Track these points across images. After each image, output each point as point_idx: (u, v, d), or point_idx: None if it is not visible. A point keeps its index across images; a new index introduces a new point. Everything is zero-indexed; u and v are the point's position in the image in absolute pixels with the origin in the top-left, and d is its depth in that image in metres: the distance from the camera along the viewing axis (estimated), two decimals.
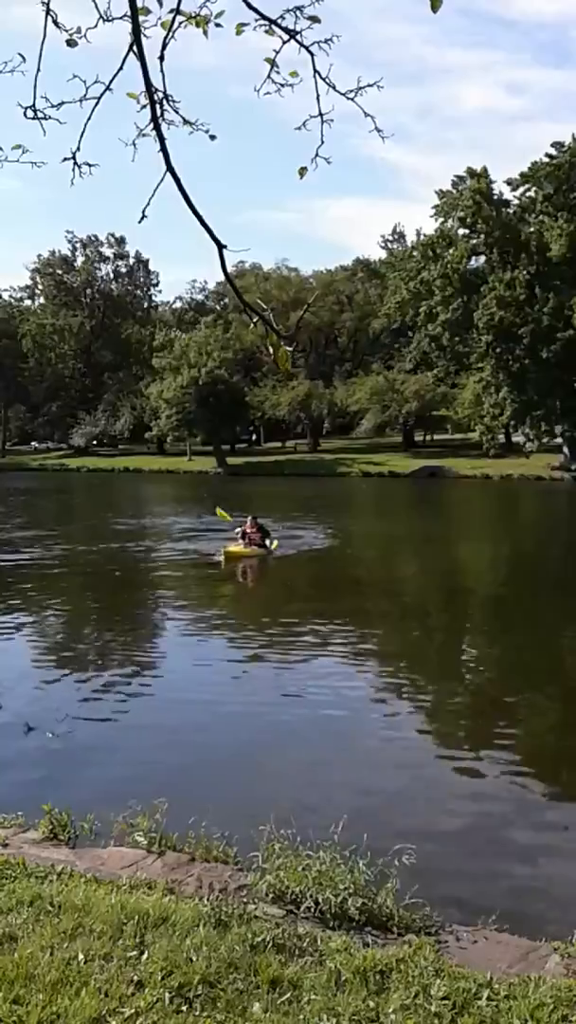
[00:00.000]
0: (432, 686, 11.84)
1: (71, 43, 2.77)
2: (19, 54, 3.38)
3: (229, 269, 3.08)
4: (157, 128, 2.59)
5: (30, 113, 2.62)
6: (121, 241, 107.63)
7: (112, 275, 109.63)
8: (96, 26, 2.75)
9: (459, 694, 11.57)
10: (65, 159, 2.76)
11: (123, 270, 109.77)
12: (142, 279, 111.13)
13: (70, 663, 12.77)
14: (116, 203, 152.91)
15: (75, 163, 2.75)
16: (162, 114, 2.70)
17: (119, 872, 5.35)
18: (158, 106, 2.62)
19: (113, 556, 24.42)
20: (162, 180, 2.61)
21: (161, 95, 2.70)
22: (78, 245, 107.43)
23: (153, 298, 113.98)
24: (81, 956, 4.18)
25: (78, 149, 2.73)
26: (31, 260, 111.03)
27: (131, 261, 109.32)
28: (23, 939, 4.31)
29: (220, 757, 8.69)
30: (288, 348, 3.43)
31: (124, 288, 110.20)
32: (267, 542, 22.99)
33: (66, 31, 2.61)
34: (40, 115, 2.65)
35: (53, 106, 2.65)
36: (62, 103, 2.66)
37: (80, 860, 5.51)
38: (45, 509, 46.95)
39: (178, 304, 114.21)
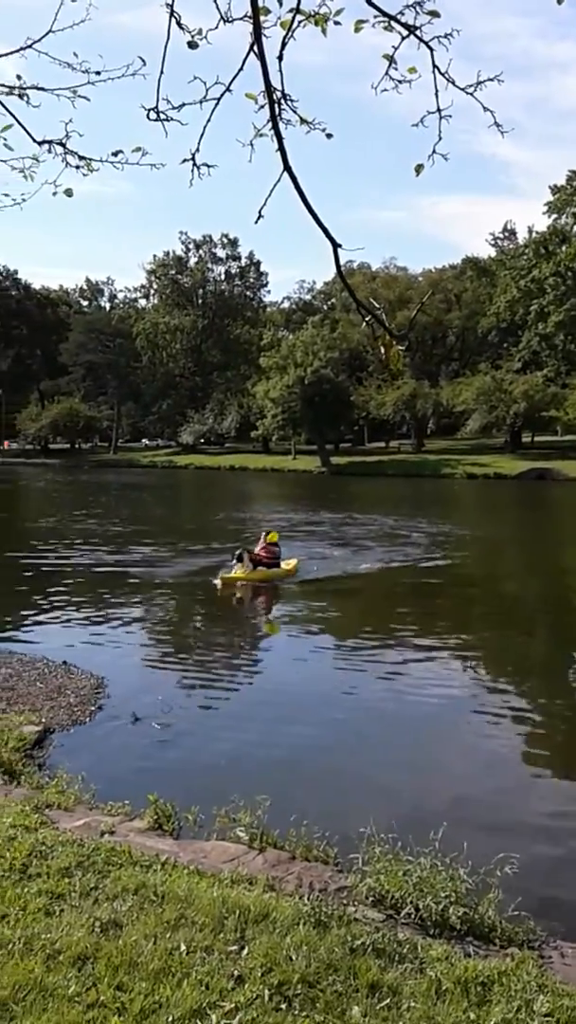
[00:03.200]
0: (537, 694, 11.53)
1: (192, 45, 2.80)
2: (140, 58, 3.45)
3: None
4: (276, 127, 2.59)
5: (153, 115, 2.67)
6: (234, 242, 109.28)
7: (224, 275, 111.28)
8: (217, 27, 2.78)
9: (565, 701, 11.23)
10: (184, 160, 2.80)
11: (235, 271, 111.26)
12: (253, 280, 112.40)
13: (176, 656, 13.00)
14: (229, 204, 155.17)
15: (194, 164, 2.79)
16: (280, 113, 2.70)
17: (221, 866, 5.41)
18: (276, 105, 2.63)
19: (220, 552, 24.77)
20: (279, 180, 2.61)
21: (279, 94, 2.70)
22: (192, 246, 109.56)
23: (263, 298, 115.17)
24: (183, 947, 4.25)
25: (197, 150, 2.77)
26: (147, 261, 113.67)
27: (243, 262, 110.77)
28: (127, 926, 4.41)
29: (321, 757, 8.68)
30: (400, 347, 3.39)
31: (235, 288, 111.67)
32: (282, 563, 19.59)
33: (188, 32, 2.64)
34: (163, 117, 2.69)
35: (174, 108, 2.69)
36: (183, 104, 2.70)
37: (183, 851, 5.60)
38: (157, 505, 48.00)
39: (286, 304, 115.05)
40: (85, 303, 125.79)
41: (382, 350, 3.28)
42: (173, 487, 66.00)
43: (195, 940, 4.33)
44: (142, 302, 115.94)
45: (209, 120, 2.71)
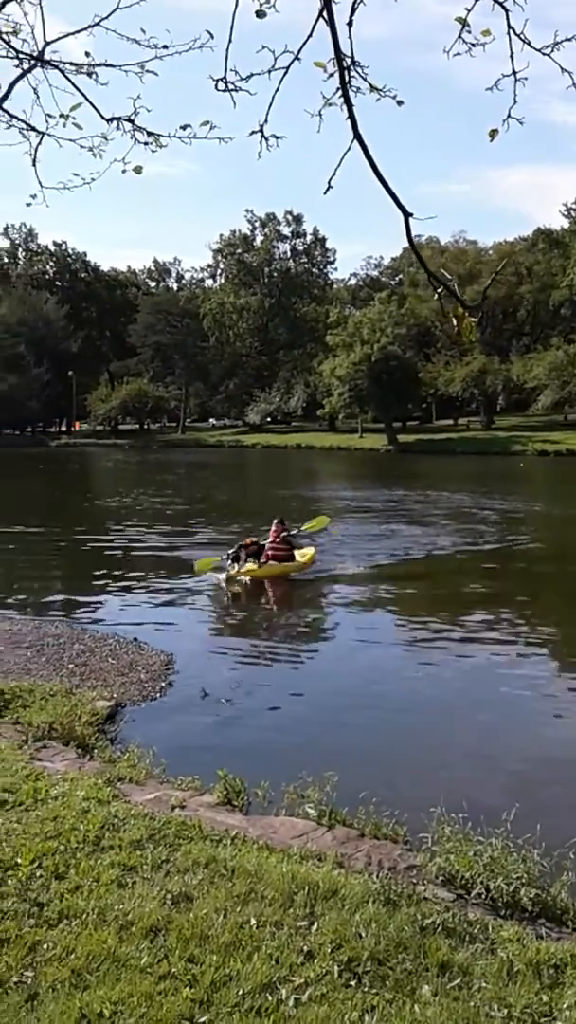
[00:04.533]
0: None
1: (260, 14, 2.75)
2: (207, 31, 3.41)
3: (406, 244, 3.00)
4: (346, 95, 2.53)
5: (221, 86, 2.64)
6: (299, 219, 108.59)
7: (290, 253, 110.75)
8: None
9: None
10: (252, 132, 2.76)
11: (300, 248, 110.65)
12: (319, 257, 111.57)
13: (241, 635, 13.12)
14: (295, 181, 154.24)
15: (262, 135, 2.74)
16: (349, 81, 2.64)
17: (290, 841, 5.44)
18: (346, 72, 2.57)
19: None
20: (348, 149, 2.55)
21: (349, 61, 2.64)
22: (257, 224, 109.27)
23: (329, 275, 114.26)
24: (253, 921, 4.29)
25: (265, 121, 2.72)
26: (213, 240, 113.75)
27: (309, 239, 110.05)
28: (198, 900, 4.46)
29: (388, 736, 8.66)
30: (473, 319, 3.31)
31: (301, 266, 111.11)
32: (296, 555, 17.55)
33: (257, 1, 2.59)
34: (231, 87, 2.65)
35: (242, 79, 2.65)
36: (251, 75, 2.66)
37: (252, 827, 5.64)
38: (224, 484, 48.33)
39: (353, 281, 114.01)
40: (153, 284, 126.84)
41: (454, 322, 3.20)
42: (240, 466, 66.34)
43: (265, 915, 4.36)
44: (209, 282, 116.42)
45: (277, 90, 2.66)
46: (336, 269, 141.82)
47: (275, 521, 18.05)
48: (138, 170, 3.91)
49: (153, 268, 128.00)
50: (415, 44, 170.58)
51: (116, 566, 18.51)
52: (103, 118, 3.50)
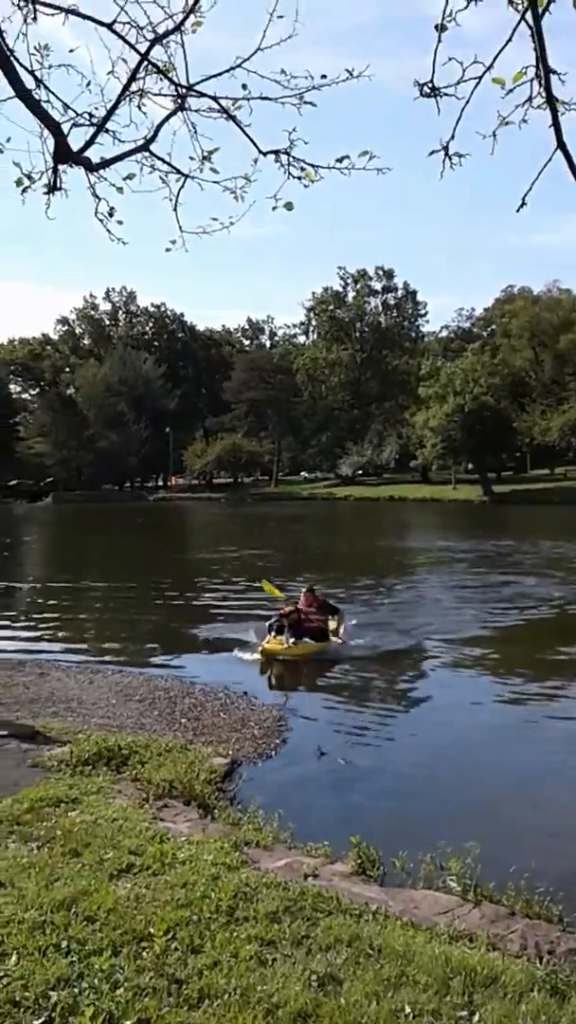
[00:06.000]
0: None
1: (440, 27, 2.58)
2: (346, 70, 3.28)
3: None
4: (550, 101, 2.32)
5: (427, 90, 2.46)
6: (390, 274, 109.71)
7: (381, 307, 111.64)
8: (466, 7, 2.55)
9: None
10: (433, 152, 2.57)
11: (391, 302, 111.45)
12: (410, 310, 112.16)
13: (351, 691, 12.72)
14: (384, 235, 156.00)
15: (446, 153, 2.55)
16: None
17: (435, 918, 5.04)
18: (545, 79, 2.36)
19: (385, 585, 24.44)
20: (550, 159, 2.34)
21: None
22: (349, 280, 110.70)
23: (420, 328, 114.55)
24: (408, 1009, 3.91)
25: (452, 138, 2.54)
26: (306, 298, 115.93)
27: (399, 293, 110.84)
28: (346, 982, 4.12)
29: (522, 800, 8.09)
30: None
31: (392, 320, 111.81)
32: (335, 627, 15.32)
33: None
34: (437, 93, 2.47)
35: (434, 89, 2.47)
36: (445, 85, 2.48)
37: (392, 900, 5.26)
38: (317, 537, 48.22)
39: (444, 333, 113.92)
40: (247, 342, 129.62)
41: None
42: (332, 519, 66.22)
43: (419, 1002, 3.98)
44: (301, 338, 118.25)
45: (468, 101, 2.46)
46: (427, 321, 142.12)
47: (304, 591, 15.92)
48: (288, 206, 3.79)
49: (247, 326, 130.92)
50: None
51: (219, 619, 18.41)
52: (260, 152, 3.40)
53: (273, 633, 14.50)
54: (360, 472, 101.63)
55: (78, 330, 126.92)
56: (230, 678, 12.72)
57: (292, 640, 14.29)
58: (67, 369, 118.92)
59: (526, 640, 16.61)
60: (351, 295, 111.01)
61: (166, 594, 22.81)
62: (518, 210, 2.48)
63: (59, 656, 14.66)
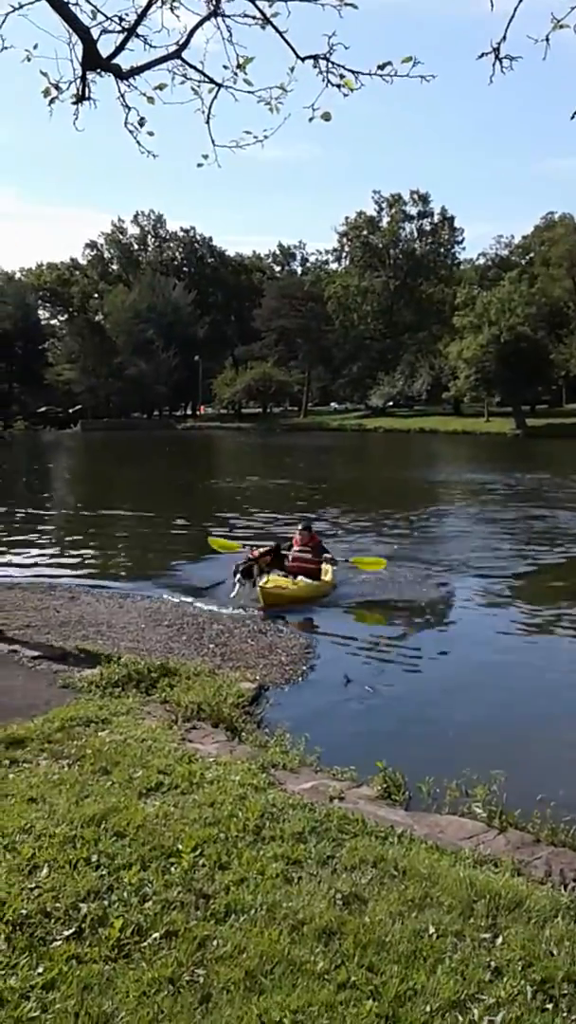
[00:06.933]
0: None
1: None
2: None
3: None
4: None
5: None
6: (425, 199, 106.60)
7: (416, 234, 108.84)
8: None
9: None
10: (483, 54, 2.41)
11: (427, 228, 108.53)
12: (446, 237, 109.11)
13: (379, 621, 12.77)
14: (419, 160, 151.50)
15: (497, 57, 2.40)
16: None
17: (459, 843, 5.10)
18: None
19: (414, 517, 24.36)
20: None
21: None
22: (384, 205, 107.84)
23: (456, 256, 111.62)
24: (432, 929, 3.97)
25: (503, 39, 2.37)
26: (339, 223, 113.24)
27: (436, 218, 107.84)
28: (371, 902, 4.19)
29: (550, 731, 8.11)
30: None
31: (427, 247, 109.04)
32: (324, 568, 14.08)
33: None
34: None
35: None
36: None
37: (418, 824, 5.32)
38: (347, 469, 48.02)
39: (481, 261, 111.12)
40: (278, 268, 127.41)
41: None
42: (362, 450, 65.87)
43: (443, 923, 4.04)
44: (333, 265, 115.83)
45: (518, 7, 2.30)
46: (464, 249, 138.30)
47: (300, 528, 14.75)
48: (326, 116, 3.61)
49: (278, 252, 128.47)
50: None
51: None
52: (298, 56, 3.23)
53: (239, 582, 13.03)
54: (391, 404, 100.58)
55: (107, 255, 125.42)
56: (258, 606, 12.79)
57: (282, 577, 13.23)
58: (96, 295, 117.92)
59: (559, 575, 16.51)
60: (385, 220, 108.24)
61: (196, 523, 22.90)
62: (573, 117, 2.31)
63: (89, 581, 14.84)
